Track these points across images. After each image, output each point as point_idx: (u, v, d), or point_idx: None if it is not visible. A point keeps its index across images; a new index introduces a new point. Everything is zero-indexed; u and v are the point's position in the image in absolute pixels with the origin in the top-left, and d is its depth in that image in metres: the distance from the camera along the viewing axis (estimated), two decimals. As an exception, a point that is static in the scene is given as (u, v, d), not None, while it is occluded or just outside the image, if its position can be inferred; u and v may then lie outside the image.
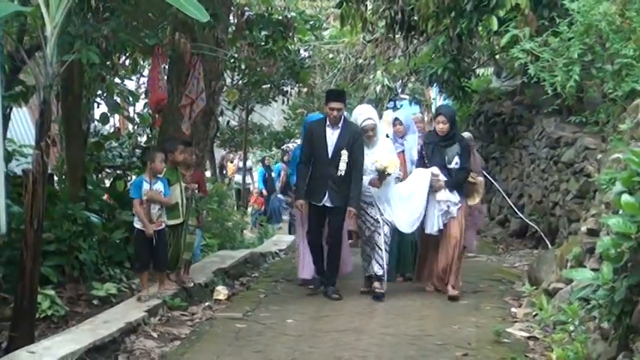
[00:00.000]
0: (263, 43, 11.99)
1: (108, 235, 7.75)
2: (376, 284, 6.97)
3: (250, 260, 9.17)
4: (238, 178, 19.84)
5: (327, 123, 6.98)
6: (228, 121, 19.06)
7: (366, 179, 6.93)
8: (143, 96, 11.95)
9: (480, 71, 15.82)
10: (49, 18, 5.35)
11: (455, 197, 6.99)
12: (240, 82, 15.69)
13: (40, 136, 5.41)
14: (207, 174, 15.65)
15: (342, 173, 6.81)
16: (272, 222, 16.68)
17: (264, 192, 18.03)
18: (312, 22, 13.66)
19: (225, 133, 18.99)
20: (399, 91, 17.63)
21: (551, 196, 10.09)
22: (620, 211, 3.66)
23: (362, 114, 7.14)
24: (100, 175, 10.81)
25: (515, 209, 11.01)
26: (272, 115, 22.06)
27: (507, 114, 12.57)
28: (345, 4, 11.57)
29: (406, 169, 7.50)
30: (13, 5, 5.41)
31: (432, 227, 7.02)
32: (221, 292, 7.10)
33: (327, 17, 17.96)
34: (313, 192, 7.01)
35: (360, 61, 17.18)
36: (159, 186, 6.48)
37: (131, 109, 13.05)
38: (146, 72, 11.60)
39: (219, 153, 21.03)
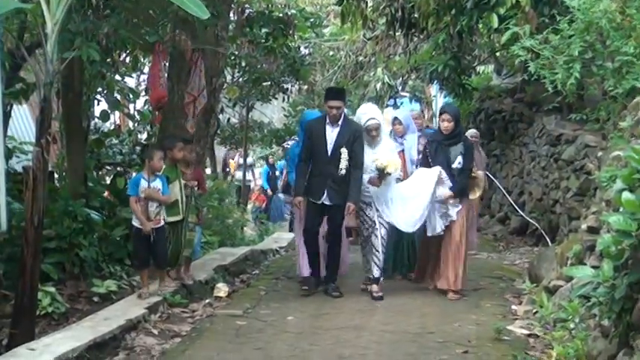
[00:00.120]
0: (263, 41, 12.01)
1: (108, 232, 7.75)
2: (374, 287, 6.95)
3: (251, 257, 9.16)
4: (239, 175, 19.82)
5: (327, 121, 6.95)
6: (229, 119, 19.02)
7: (365, 177, 6.88)
8: (143, 93, 11.97)
9: (480, 69, 15.82)
10: (50, 15, 5.34)
11: (455, 200, 6.98)
12: (241, 79, 15.66)
13: (41, 133, 5.40)
14: (208, 171, 15.64)
15: (343, 172, 6.77)
16: (274, 220, 16.63)
17: (269, 191, 17.77)
18: (312, 20, 13.65)
19: (225, 131, 18.97)
20: (400, 88, 17.59)
21: (552, 194, 10.09)
22: (621, 209, 3.65)
23: (366, 113, 7.08)
24: (100, 173, 10.78)
25: (516, 207, 11.03)
26: (272, 113, 22.00)
27: (508, 111, 12.58)
28: (345, 1, 11.57)
29: (406, 169, 7.47)
30: (13, 2, 5.39)
31: (434, 229, 7.01)
32: (221, 289, 7.09)
33: (328, 14, 17.95)
34: (312, 189, 6.98)
35: (361, 58, 17.18)
36: (157, 184, 6.46)
37: (131, 106, 13.08)
38: (146, 69, 11.61)
39: (219, 150, 21.01)
